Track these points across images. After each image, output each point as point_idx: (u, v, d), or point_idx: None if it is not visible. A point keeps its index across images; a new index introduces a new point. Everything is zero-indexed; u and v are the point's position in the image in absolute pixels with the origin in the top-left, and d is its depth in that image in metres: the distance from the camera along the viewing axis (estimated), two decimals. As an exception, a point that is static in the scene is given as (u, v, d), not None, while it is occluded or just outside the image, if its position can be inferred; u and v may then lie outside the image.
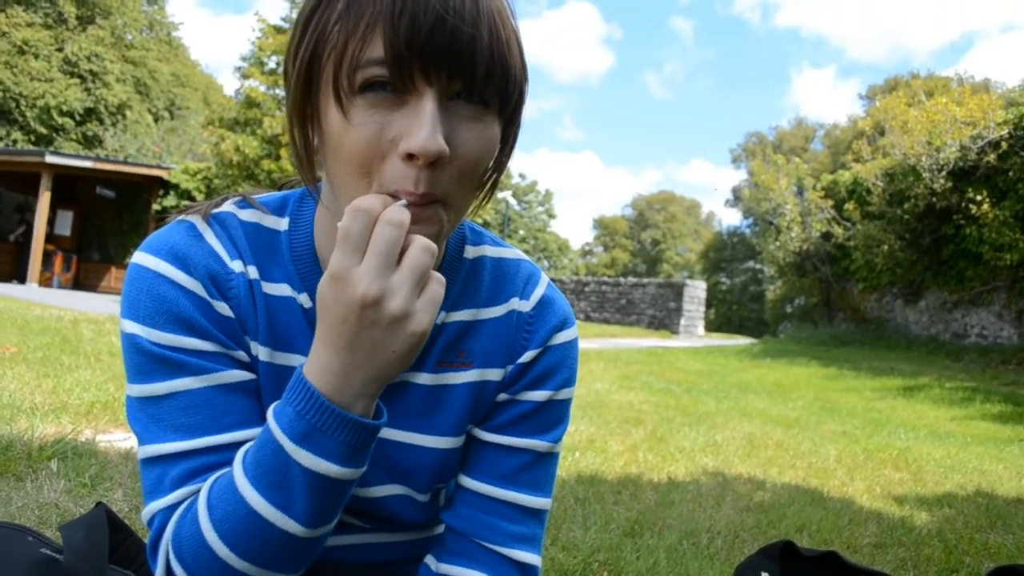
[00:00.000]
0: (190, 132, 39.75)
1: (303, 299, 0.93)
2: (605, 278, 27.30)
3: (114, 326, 8.68)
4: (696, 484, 4.23)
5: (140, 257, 0.87)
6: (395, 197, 0.75)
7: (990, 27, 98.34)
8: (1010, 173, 14.62)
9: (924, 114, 16.74)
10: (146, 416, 0.86)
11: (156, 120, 41.04)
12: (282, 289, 0.93)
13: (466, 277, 1.00)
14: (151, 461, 0.85)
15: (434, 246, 0.73)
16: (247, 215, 0.94)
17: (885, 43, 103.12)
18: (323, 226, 0.93)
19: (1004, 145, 14.75)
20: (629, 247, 66.36)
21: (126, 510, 2.60)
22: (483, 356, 1.00)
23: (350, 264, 0.71)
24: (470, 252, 1.02)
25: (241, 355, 0.90)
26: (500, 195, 36.44)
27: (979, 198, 14.74)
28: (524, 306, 1.02)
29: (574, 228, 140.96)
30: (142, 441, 0.86)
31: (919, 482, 4.86)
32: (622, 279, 26.03)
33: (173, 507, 0.84)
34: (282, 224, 0.95)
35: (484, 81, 0.76)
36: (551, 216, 61.62)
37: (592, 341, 17.00)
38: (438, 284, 0.74)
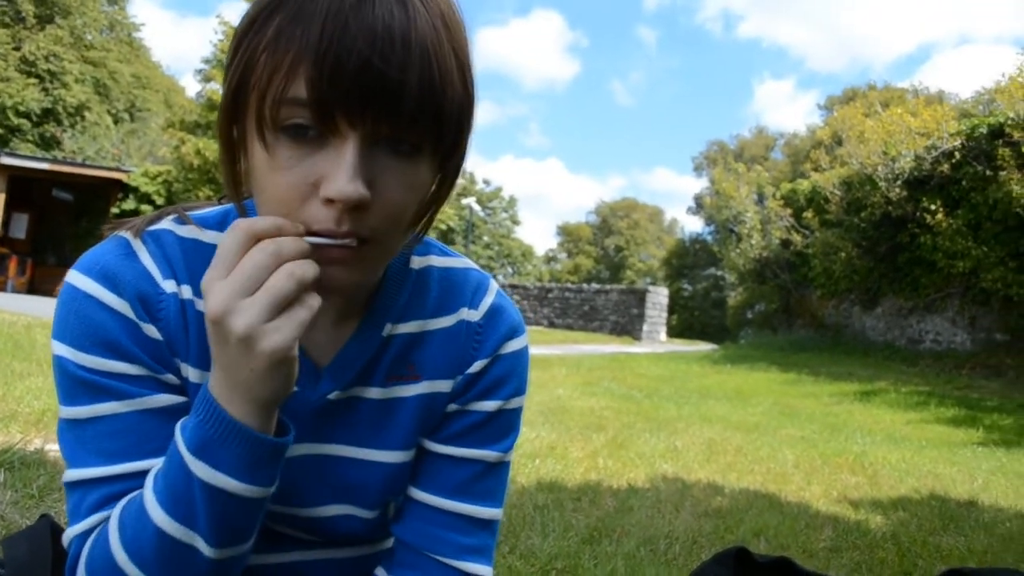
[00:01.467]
0: (151, 135, 39.16)
1: None
2: (568, 284, 27.42)
3: (69, 332, 8.52)
4: (655, 490, 4.26)
5: (72, 276, 0.85)
6: (317, 234, 0.74)
7: (946, 39, 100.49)
8: (963, 183, 14.91)
9: (880, 124, 17.05)
10: (72, 439, 0.84)
11: (116, 122, 40.41)
12: None
13: (412, 288, 0.98)
14: (73, 485, 0.84)
15: (303, 273, 0.71)
16: (186, 231, 0.92)
17: (844, 54, 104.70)
18: None
19: (957, 155, 15.04)
20: (593, 253, 66.62)
21: (77, 520, 2.54)
22: (432, 368, 0.99)
23: (212, 278, 0.71)
24: (416, 263, 1.00)
25: (170, 378, 0.88)
26: (464, 201, 36.41)
27: (933, 207, 15.02)
28: (473, 315, 1.00)
29: (538, 234, 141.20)
30: (68, 464, 0.85)
31: (875, 486, 4.93)
32: (585, 285, 26.13)
33: (89, 532, 0.82)
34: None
35: (412, 124, 0.74)
36: (515, 222, 61.77)
37: (555, 347, 17.04)
38: (305, 309, 0.72)
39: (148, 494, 0.78)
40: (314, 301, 0.73)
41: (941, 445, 7.15)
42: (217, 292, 0.70)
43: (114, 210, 21.17)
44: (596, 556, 2.92)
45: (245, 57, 0.74)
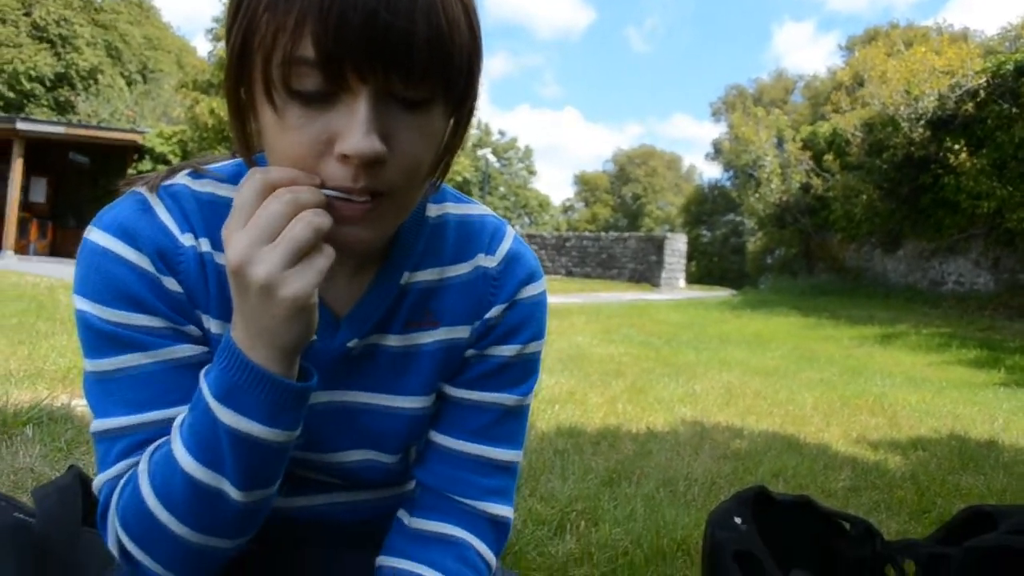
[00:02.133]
0: (164, 96, 39.06)
1: None
2: (586, 233, 27.34)
3: (91, 291, 8.62)
4: (674, 434, 4.28)
5: (91, 233, 0.86)
6: (337, 190, 0.74)
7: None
8: (988, 122, 14.68)
9: (903, 64, 16.75)
10: (98, 391, 0.86)
11: (129, 84, 40.35)
12: None
13: (429, 237, 0.98)
14: (101, 435, 0.86)
15: (321, 222, 0.72)
16: (201, 185, 0.92)
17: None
18: None
19: (982, 94, 14.80)
20: (610, 202, 66.27)
21: (103, 473, 2.60)
22: (450, 315, 0.99)
23: (231, 228, 0.72)
24: (432, 211, 0.99)
25: (192, 330, 0.89)
26: (479, 152, 36.26)
27: (957, 147, 14.81)
28: (490, 262, 1.00)
29: (555, 185, 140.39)
30: (94, 415, 0.87)
31: (894, 427, 4.93)
32: (603, 234, 26.05)
33: (118, 478, 0.84)
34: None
35: (422, 75, 0.72)
36: (531, 173, 61.46)
37: (574, 296, 17.05)
38: (324, 257, 0.73)
39: (176, 441, 0.79)
40: (331, 249, 0.74)
41: (962, 386, 7.12)
42: (236, 242, 0.71)
43: (131, 171, 21.14)
44: (616, 498, 2.94)
45: (246, 19, 0.72)
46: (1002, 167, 14.35)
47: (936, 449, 4.26)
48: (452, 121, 0.83)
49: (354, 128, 0.71)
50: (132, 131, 22.12)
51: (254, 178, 0.72)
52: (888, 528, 2.84)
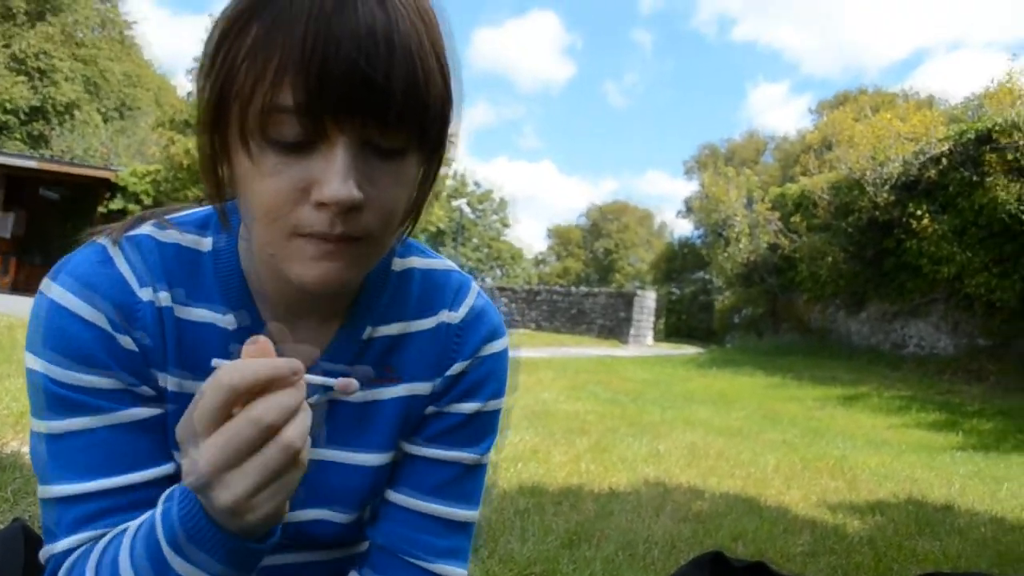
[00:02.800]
0: (140, 133, 38.87)
1: (227, 320, 0.91)
2: (557, 287, 27.42)
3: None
4: (636, 494, 4.28)
5: (46, 286, 0.84)
6: (310, 236, 0.74)
7: (939, 45, 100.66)
8: (950, 188, 15.01)
9: (870, 129, 17.14)
10: (46, 453, 0.83)
11: (105, 120, 40.17)
12: (202, 314, 0.90)
13: (394, 290, 0.98)
14: (48, 502, 0.83)
15: (295, 442, 0.66)
16: (166, 235, 0.91)
17: (839, 59, 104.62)
18: (247, 246, 0.91)
19: (945, 161, 15.14)
20: (582, 256, 66.54)
21: (54, 523, 2.55)
22: (412, 370, 0.98)
23: (190, 434, 0.66)
24: (397, 264, 1.00)
25: (145, 390, 0.87)
26: (455, 203, 36.36)
27: (920, 212, 15.11)
28: (453, 317, 0.99)
29: (530, 237, 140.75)
30: (41, 480, 0.84)
31: (853, 490, 4.97)
32: (573, 288, 26.14)
33: (67, 552, 0.82)
34: (204, 244, 0.92)
35: (398, 125, 0.73)
36: (505, 225, 61.60)
37: (542, 349, 17.04)
38: (298, 471, 0.68)
39: (124, 559, 0.76)
40: (305, 461, 0.69)
41: (921, 450, 7.20)
42: (197, 462, 0.65)
43: (102, 209, 21.03)
44: (575, 560, 2.94)
45: (225, 67, 0.72)
46: (962, 232, 14.66)
47: (894, 513, 4.30)
48: (423, 170, 0.83)
49: (332, 176, 0.71)
50: (105, 168, 21.96)
51: (217, 383, 0.65)
52: (844, 594, 2.86)
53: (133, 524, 0.78)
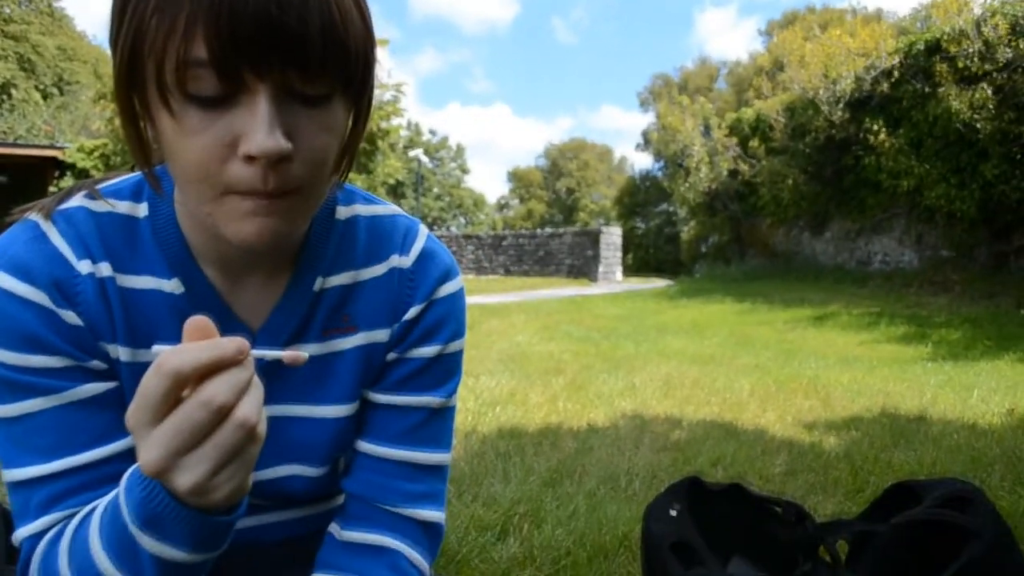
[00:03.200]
0: (82, 108, 37.90)
1: (172, 285, 0.89)
2: (522, 231, 27.42)
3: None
4: (615, 428, 4.32)
5: None
6: (243, 194, 0.72)
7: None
8: (903, 101, 15.09)
9: (820, 47, 17.12)
10: (4, 437, 0.83)
11: (45, 98, 39.12)
12: (145, 281, 0.88)
13: (340, 239, 0.97)
14: (14, 486, 0.83)
15: (250, 417, 0.64)
16: (100, 205, 0.89)
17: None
18: (184, 208, 0.88)
19: (896, 74, 15.18)
20: (544, 198, 66.54)
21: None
22: (367, 318, 0.98)
23: (141, 423, 0.63)
24: (342, 213, 0.98)
25: (96, 364, 0.85)
26: (411, 153, 36.01)
27: (875, 127, 15.19)
28: (404, 262, 0.99)
29: (489, 182, 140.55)
30: (4, 464, 0.84)
31: (828, 408, 5.05)
32: (539, 231, 26.16)
33: (40, 534, 0.82)
34: (140, 210, 0.90)
35: (320, 70, 0.71)
36: (464, 171, 61.42)
37: (512, 294, 17.08)
38: (256, 445, 0.67)
39: (94, 539, 0.76)
40: (263, 433, 0.67)
41: (892, 363, 7.32)
42: (152, 448, 0.63)
43: (52, 188, 20.64)
44: (558, 497, 2.96)
45: (134, 22, 0.69)
46: (919, 145, 14.77)
47: (868, 427, 4.38)
48: (352, 114, 0.81)
49: (257, 127, 0.69)
50: (51, 147, 21.50)
51: (161, 369, 0.62)
52: (824, 508, 2.91)
53: (100, 503, 0.77)
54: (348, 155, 0.85)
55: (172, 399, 0.63)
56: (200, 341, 0.64)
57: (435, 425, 1.01)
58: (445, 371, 1.02)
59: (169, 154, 0.75)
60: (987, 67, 13.20)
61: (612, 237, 24.33)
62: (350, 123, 0.82)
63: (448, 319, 1.00)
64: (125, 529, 0.72)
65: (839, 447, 3.89)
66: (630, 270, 32.43)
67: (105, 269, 0.86)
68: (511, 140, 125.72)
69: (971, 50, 13.37)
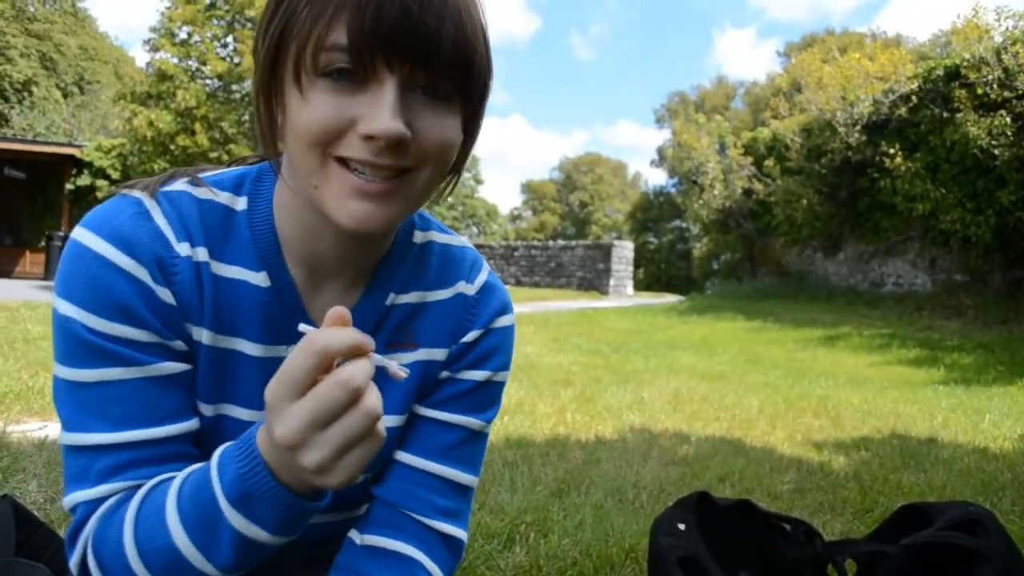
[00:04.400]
0: (101, 107, 38.21)
1: (260, 278, 0.92)
2: (534, 242, 27.38)
3: (29, 312, 8.41)
4: (623, 441, 4.31)
5: (82, 235, 0.83)
6: (359, 164, 0.76)
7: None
8: (921, 126, 15.05)
9: (838, 70, 17.11)
10: (73, 400, 0.83)
11: (65, 96, 39.43)
12: (236, 271, 0.91)
13: (414, 261, 1.02)
14: (77, 449, 0.83)
15: (376, 409, 0.70)
16: (202, 192, 0.92)
17: (804, 1, 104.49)
18: (283, 203, 0.92)
19: (914, 99, 15.15)
20: (557, 210, 66.54)
21: (41, 501, 2.53)
22: (429, 337, 1.02)
23: (282, 396, 0.68)
24: (418, 237, 1.03)
25: (178, 345, 0.88)
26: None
27: (892, 151, 15.14)
28: (469, 289, 1.05)
29: (503, 193, 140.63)
30: (67, 427, 0.84)
31: (838, 427, 5.02)
32: (551, 242, 26.12)
33: (98, 501, 0.83)
34: (239, 203, 0.93)
35: (446, 74, 0.77)
36: (478, 182, 61.38)
37: (523, 305, 17.07)
38: (375, 442, 0.72)
39: (171, 507, 0.78)
40: (383, 432, 0.73)
41: (903, 385, 7.28)
42: (289, 421, 0.68)
43: (69, 186, 20.76)
44: (565, 508, 2.95)
45: (287, 12, 0.76)
46: (935, 170, 14.72)
47: (878, 448, 4.35)
48: (465, 130, 0.86)
49: (381, 110, 0.74)
50: (70, 144, 21.63)
51: (311, 346, 0.68)
52: (832, 527, 2.88)
53: (179, 476, 0.80)
54: (453, 172, 0.90)
55: (314, 376, 0.68)
56: (341, 328, 0.70)
57: (472, 447, 1.06)
58: (489, 398, 1.07)
59: (290, 128, 0.79)
60: (1006, 94, 13.18)
61: (624, 251, 24.28)
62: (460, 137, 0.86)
63: (501, 349, 1.07)
64: (212, 503, 0.75)
65: (848, 467, 3.87)
66: (641, 285, 32.36)
67: (202, 254, 0.89)
68: (527, 152, 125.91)
69: (990, 77, 13.35)
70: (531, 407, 5.17)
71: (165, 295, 0.85)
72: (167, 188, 0.91)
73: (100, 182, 20.19)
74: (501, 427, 4.44)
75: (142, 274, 0.83)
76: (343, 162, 0.77)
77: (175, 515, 0.77)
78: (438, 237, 1.06)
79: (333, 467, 0.70)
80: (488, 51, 0.83)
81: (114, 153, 20.64)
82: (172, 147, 15.55)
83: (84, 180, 20.49)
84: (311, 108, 0.75)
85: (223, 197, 0.93)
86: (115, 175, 20.32)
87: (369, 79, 0.75)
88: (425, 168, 0.81)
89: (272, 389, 0.69)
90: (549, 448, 4.00)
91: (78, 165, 20.87)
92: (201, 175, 0.95)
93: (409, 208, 0.84)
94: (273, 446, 0.72)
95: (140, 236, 0.84)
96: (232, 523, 0.75)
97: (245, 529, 0.75)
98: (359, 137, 0.75)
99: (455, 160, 0.87)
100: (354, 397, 0.68)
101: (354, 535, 1.01)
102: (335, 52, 0.73)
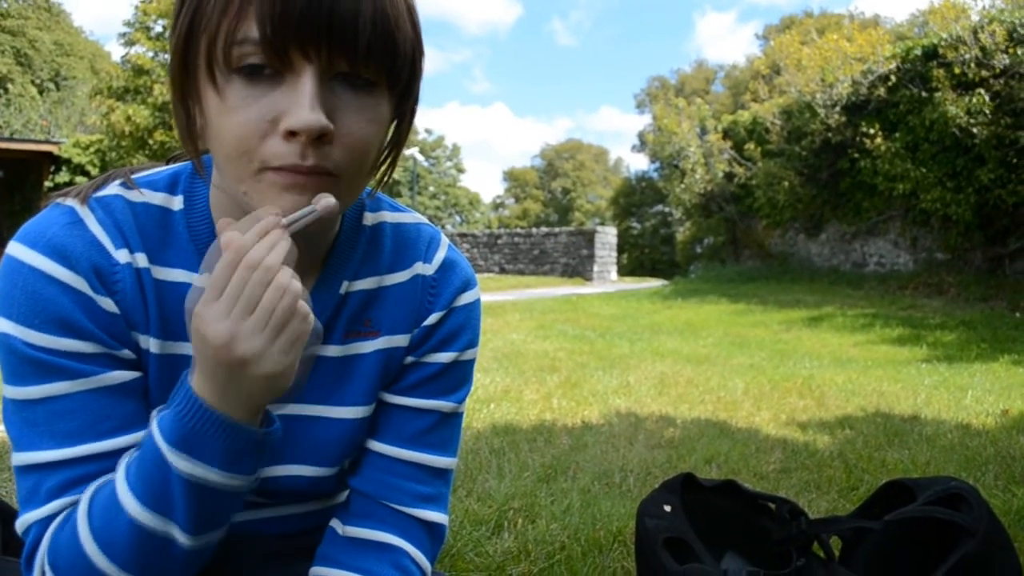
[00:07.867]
0: (78, 103, 37.87)
1: (204, 279, 0.90)
2: (517, 230, 27.37)
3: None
4: (609, 426, 4.32)
5: (15, 249, 0.81)
6: (280, 170, 0.74)
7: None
8: (900, 106, 15.10)
9: (817, 51, 17.13)
10: (21, 420, 0.81)
11: (41, 92, 39.07)
12: (177, 274, 0.88)
13: (366, 245, 0.98)
14: (26, 469, 0.81)
15: (297, 285, 0.71)
16: (135, 195, 0.89)
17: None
18: (218, 202, 0.89)
19: (893, 79, 15.20)
20: (540, 197, 66.57)
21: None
22: (389, 323, 0.99)
23: (204, 302, 0.70)
24: (369, 219, 1.00)
25: (125, 354, 0.85)
26: (407, 152, 36.02)
27: (871, 131, 15.20)
28: (427, 270, 1.01)
29: (485, 182, 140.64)
30: (16, 447, 0.81)
31: (822, 407, 5.05)
32: (534, 229, 26.13)
33: (50, 518, 0.80)
34: (175, 203, 0.90)
35: (367, 57, 0.73)
36: (460, 171, 61.33)
37: (507, 293, 17.07)
38: (301, 322, 0.72)
39: (121, 483, 0.76)
40: (308, 311, 0.73)
41: (886, 364, 7.33)
42: (216, 318, 0.69)
43: (48, 183, 20.59)
44: (552, 493, 2.96)
45: (193, 5, 0.72)
46: (915, 149, 14.78)
47: (862, 427, 4.37)
48: (395, 118, 0.84)
49: (299, 103, 0.71)
50: (47, 142, 21.46)
51: (228, 253, 0.70)
52: (818, 506, 2.91)
53: (125, 457, 0.79)
54: (390, 159, 0.87)
55: (230, 274, 0.70)
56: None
57: (445, 430, 1.04)
58: (458, 378, 1.04)
59: (212, 133, 0.76)
60: (984, 73, 13.24)
61: (607, 237, 24.33)
62: (392, 127, 0.84)
63: (466, 328, 1.03)
64: (157, 456, 0.74)
65: (833, 446, 3.89)
66: (625, 270, 32.42)
67: (141, 260, 0.86)
68: (509, 140, 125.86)
69: (968, 56, 13.40)
70: (517, 394, 5.18)
71: (107, 304, 0.83)
72: (100, 194, 0.88)
73: (79, 179, 20.04)
74: (487, 414, 4.45)
75: (80, 284, 0.81)
76: (269, 167, 0.74)
77: (126, 490, 0.75)
78: (389, 216, 1.02)
79: (269, 352, 0.70)
80: (416, 28, 0.79)
81: (92, 149, 20.51)
82: (150, 141, 15.46)
83: (63, 177, 20.35)
84: (230, 111, 0.72)
85: (158, 198, 0.90)
86: (94, 171, 20.20)
87: (285, 71, 0.72)
88: (349, 171, 0.77)
89: (192, 297, 0.71)
90: (536, 434, 4.01)
91: (56, 162, 20.73)
92: (135, 175, 0.92)
93: (344, 205, 0.82)
94: (206, 370, 0.72)
95: (75, 246, 0.82)
96: (179, 469, 0.73)
97: (193, 471, 0.73)
98: (281, 137, 0.72)
99: (392, 146, 0.86)
100: (268, 276, 0.69)
101: (336, 525, 1.01)
102: (246, 45, 0.70)
